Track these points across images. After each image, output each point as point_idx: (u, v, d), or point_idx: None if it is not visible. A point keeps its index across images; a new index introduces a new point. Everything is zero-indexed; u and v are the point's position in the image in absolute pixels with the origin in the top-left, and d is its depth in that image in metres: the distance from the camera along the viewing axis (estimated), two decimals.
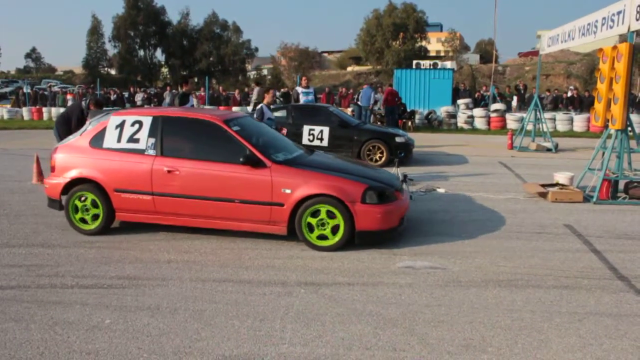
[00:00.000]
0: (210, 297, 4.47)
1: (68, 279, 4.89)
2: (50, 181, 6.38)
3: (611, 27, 8.50)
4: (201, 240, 6.05)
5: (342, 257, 5.51)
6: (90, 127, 6.40)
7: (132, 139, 6.04)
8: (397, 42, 55.17)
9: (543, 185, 8.53)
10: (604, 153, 8.54)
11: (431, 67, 31.22)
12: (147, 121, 6.08)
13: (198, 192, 5.80)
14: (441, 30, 75.90)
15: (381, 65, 57.16)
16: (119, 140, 6.08)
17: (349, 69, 69.24)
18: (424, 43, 57.55)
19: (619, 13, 8.16)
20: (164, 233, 6.26)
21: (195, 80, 53.58)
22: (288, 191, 5.58)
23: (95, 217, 6.17)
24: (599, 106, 8.40)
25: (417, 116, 20.99)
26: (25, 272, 5.08)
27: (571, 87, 25.86)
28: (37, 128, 21.93)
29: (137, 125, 6.06)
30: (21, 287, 4.71)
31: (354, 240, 5.62)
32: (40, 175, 9.47)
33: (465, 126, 20.81)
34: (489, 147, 15.13)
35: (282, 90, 24.18)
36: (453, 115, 21.14)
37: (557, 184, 8.52)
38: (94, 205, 6.15)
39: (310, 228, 5.65)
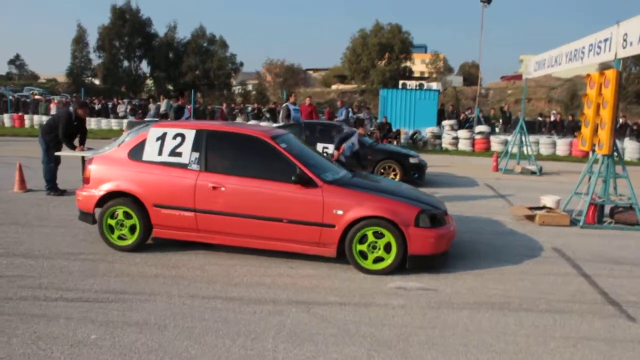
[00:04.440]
0: (200, 314, 4.35)
1: (51, 292, 4.73)
2: (84, 193, 6.07)
3: (598, 54, 8.67)
4: (189, 255, 5.92)
5: (332, 276, 5.43)
6: (129, 138, 6.15)
7: (174, 153, 5.79)
8: (383, 62, 55.81)
9: (530, 208, 8.59)
10: (590, 177, 8.65)
11: (417, 87, 31.53)
12: (190, 134, 5.84)
13: (244, 210, 5.57)
14: (425, 52, 76.96)
15: (366, 84, 57.72)
16: (160, 153, 5.83)
17: (334, 87, 69.69)
18: (408, 64, 58.26)
19: (605, 40, 8.34)
20: (151, 246, 6.11)
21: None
22: (340, 212, 5.40)
23: (132, 229, 5.88)
24: (586, 131, 8.53)
25: (402, 136, 21.10)
26: (7, 283, 4.90)
27: (554, 112, 26.30)
28: (19, 135, 21.51)
29: (179, 139, 5.82)
30: (2, 298, 4.54)
31: (404, 264, 5.46)
32: (23, 183, 9.26)
33: (450, 147, 20.99)
34: (474, 168, 15.25)
35: (268, 105, 24.15)
36: (438, 136, 21.33)
37: (544, 207, 8.58)
38: (127, 217, 5.86)
39: (363, 255, 5.49)
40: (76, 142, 9.14)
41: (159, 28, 67.03)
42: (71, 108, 9.15)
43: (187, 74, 52.60)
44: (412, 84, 38.09)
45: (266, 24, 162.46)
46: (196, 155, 5.75)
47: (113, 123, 25.41)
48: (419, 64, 67.47)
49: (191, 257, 5.84)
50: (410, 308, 4.68)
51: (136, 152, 5.91)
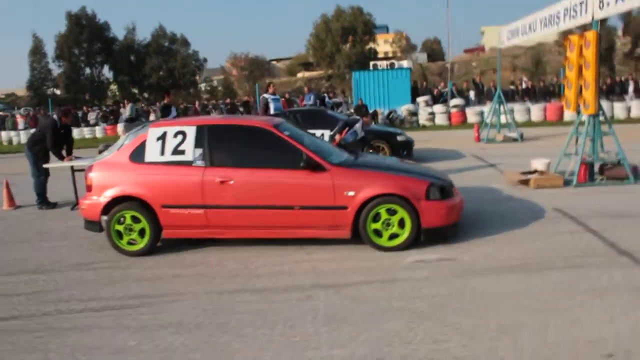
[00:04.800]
0: (231, 309, 4.34)
1: (75, 304, 4.65)
2: (87, 202, 5.93)
3: (574, 17, 8.84)
4: (202, 253, 5.89)
5: (350, 257, 5.47)
6: (128, 141, 6.02)
7: (177, 151, 5.70)
8: (347, 46, 55.78)
9: (523, 173, 8.77)
10: (577, 138, 8.86)
11: (388, 67, 31.65)
12: (190, 131, 5.75)
13: (255, 201, 5.54)
14: (387, 32, 77.20)
15: (333, 69, 57.66)
16: (162, 153, 5.73)
17: (299, 75, 69.42)
18: (373, 45, 58.34)
19: (581, 3, 8.50)
20: (161, 248, 6.04)
21: (146, 95, 52.52)
22: (351, 193, 5.42)
23: (141, 233, 5.79)
24: (569, 93, 8.73)
25: (379, 116, 21.19)
26: (26, 300, 4.80)
27: (524, 79, 26.71)
28: None
29: (180, 136, 5.72)
30: (25, 316, 4.45)
31: (419, 238, 5.52)
32: (11, 200, 9.03)
33: (427, 123, 21.20)
34: (456, 141, 15.44)
35: (243, 99, 23.94)
36: (414, 113, 21.51)
37: (535, 171, 8.77)
38: (136, 221, 5.78)
39: (378, 233, 5.51)
40: (63, 152, 8.94)
41: (118, 31, 65.78)
42: (55, 116, 8.94)
43: (151, 76, 51.71)
44: (382, 64, 38.15)
45: (226, 17, 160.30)
46: (199, 151, 5.69)
47: (85, 132, 24.87)
48: (382, 45, 67.60)
49: (205, 255, 5.81)
50: (435, 279, 4.76)
51: (137, 155, 5.82)
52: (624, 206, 6.97)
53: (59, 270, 5.60)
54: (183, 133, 5.76)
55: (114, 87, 54.03)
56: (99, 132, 24.90)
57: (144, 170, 5.74)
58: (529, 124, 19.61)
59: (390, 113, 22.26)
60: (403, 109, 21.67)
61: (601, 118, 8.52)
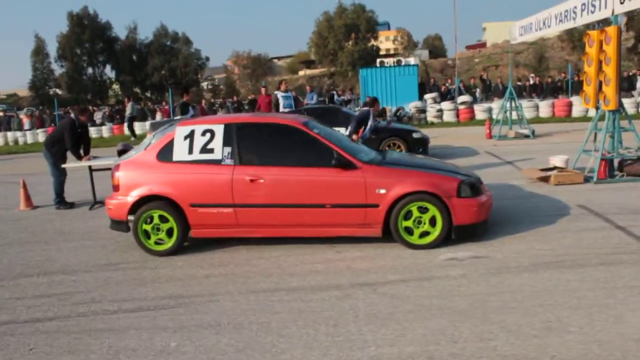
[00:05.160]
0: (270, 308, 4.31)
1: (107, 305, 4.62)
2: (114, 201, 5.90)
3: (592, 12, 8.78)
4: (230, 252, 5.86)
5: (381, 255, 5.44)
6: (155, 140, 5.98)
7: (205, 150, 5.66)
8: (350, 43, 55.71)
9: (542, 170, 8.73)
10: (596, 134, 8.82)
11: (395, 64, 31.60)
12: (219, 129, 5.71)
13: (285, 199, 5.51)
14: (389, 29, 77.17)
15: (335, 67, 57.61)
16: (190, 152, 5.69)
17: (301, 72, 69.38)
18: (375, 42, 58.25)
19: None
20: (188, 248, 6.01)
21: (148, 94, 52.49)
22: (383, 191, 5.39)
23: (169, 233, 5.76)
24: (588, 89, 8.68)
25: (387, 113, 21.14)
26: (57, 301, 4.77)
27: (532, 75, 26.66)
28: None
29: (208, 135, 5.68)
30: (60, 317, 4.42)
31: (449, 236, 5.49)
32: (29, 200, 9.00)
33: (435, 120, 21.15)
34: (467, 138, 15.41)
35: (250, 97, 23.90)
36: (422, 110, 21.45)
37: (555, 168, 8.73)
38: (163, 220, 5.74)
39: (409, 231, 5.48)
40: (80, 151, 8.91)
41: (119, 31, 65.69)
42: (73, 115, 8.91)
43: (154, 75, 51.71)
44: (389, 61, 38.08)
45: (227, 16, 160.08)
46: (228, 149, 5.65)
47: (92, 131, 24.78)
48: (384, 42, 67.53)
49: (234, 254, 5.78)
50: (471, 277, 4.73)
51: (165, 154, 5.78)
52: None
53: (86, 271, 5.57)
54: (211, 131, 5.72)
55: (116, 86, 53.99)
56: (105, 131, 24.85)
57: (172, 169, 5.70)
58: (537, 120, 19.54)
59: (398, 110, 22.19)
60: (411, 106, 21.61)
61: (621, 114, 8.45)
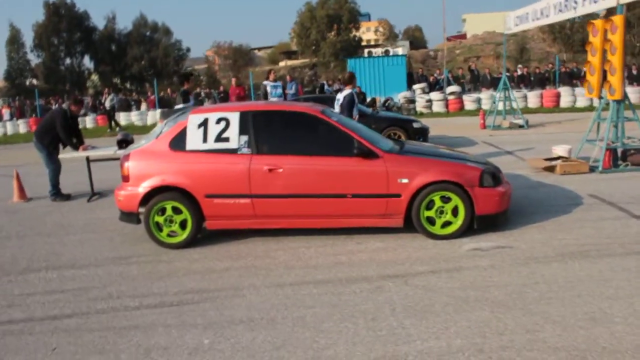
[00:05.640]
0: (301, 302, 4.17)
1: (127, 300, 4.42)
2: (124, 192, 5.65)
3: (595, 2, 8.76)
4: (246, 244, 5.69)
5: (403, 246, 5.33)
6: (167, 128, 5.74)
7: (220, 138, 5.45)
8: (332, 34, 55.41)
9: (547, 159, 8.73)
10: (599, 124, 8.85)
11: (383, 54, 31.49)
12: (234, 117, 5.49)
13: (305, 190, 5.34)
14: (369, 20, 76.97)
15: (317, 57, 57.28)
16: (204, 141, 5.47)
17: (282, 63, 68.85)
18: (358, 33, 58.07)
19: None
20: (201, 241, 5.80)
21: (128, 85, 51.48)
22: (405, 181, 5.26)
23: (182, 224, 5.55)
24: (592, 78, 8.68)
25: (377, 104, 21.05)
26: (73, 297, 4.55)
27: (520, 66, 26.80)
28: None
29: (223, 123, 5.46)
30: (79, 314, 4.21)
31: (471, 226, 5.41)
32: (22, 192, 8.67)
33: (425, 110, 21.14)
34: (460, 128, 15.41)
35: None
36: (411, 101, 21.41)
37: (559, 157, 8.73)
38: (176, 212, 5.53)
39: (431, 221, 5.38)
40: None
41: (98, 21, 64.22)
42: (64, 106, 8.59)
43: (133, 65, 50.70)
44: (377, 51, 37.94)
45: (209, 6, 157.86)
46: (245, 138, 5.46)
47: None
48: (366, 33, 67.35)
49: (250, 246, 5.61)
50: (501, 267, 4.65)
51: (178, 142, 5.56)
52: None
53: (97, 265, 5.34)
54: (226, 120, 5.52)
55: (94, 77, 52.84)
56: (89, 122, 24.20)
57: (186, 158, 5.50)
58: (526, 110, 19.63)
59: (387, 100, 22.09)
60: (400, 96, 21.55)
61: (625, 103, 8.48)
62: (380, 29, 66.21)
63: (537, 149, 10.65)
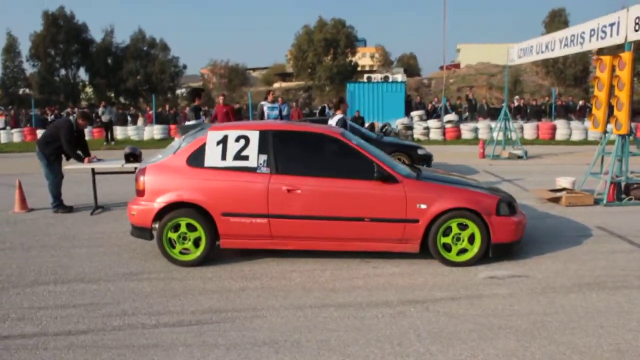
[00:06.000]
0: (323, 325, 4.12)
1: (143, 318, 4.33)
2: (138, 207, 5.57)
3: (603, 39, 8.97)
4: (259, 264, 5.62)
5: (418, 272, 5.31)
6: (185, 144, 5.70)
7: (239, 156, 5.42)
8: (329, 58, 55.95)
9: (552, 191, 8.81)
10: (603, 157, 8.97)
11: (382, 80, 31.83)
12: (254, 136, 5.48)
13: (323, 211, 5.31)
14: (365, 45, 77.96)
15: (313, 80, 57.74)
16: (223, 158, 5.44)
17: (276, 85, 69.27)
18: (354, 58, 58.72)
19: (611, 25, 8.63)
20: (213, 259, 5.72)
21: (122, 100, 51.38)
22: (424, 206, 5.27)
23: (195, 242, 5.49)
24: (598, 113, 8.83)
25: (375, 129, 21.19)
26: (86, 313, 4.45)
27: (517, 97, 27.20)
28: None
29: (242, 141, 5.45)
30: (94, 330, 4.11)
31: (486, 254, 5.42)
32: (24, 202, 8.54)
33: (422, 137, 21.30)
34: (460, 156, 15.53)
35: (234, 106, 23.62)
36: (409, 127, 21.59)
37: (564, 189, 8.82)
38: (191, 229, 5.47)
39: (447, 248, 5.38)
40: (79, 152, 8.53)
41: (96, 33, 64.20)
42: (71, 118, 8.53)
43: (128, 80, 50.63)
44: (377, 77, 38.37)
45: (207, 25, 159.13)
46: (264, 157, 5.45)
47: None
48: (361, 58, 68.16)
49: (264, 267, 5.55)
50: (519, 296, 4.64)
51: (196, 159, 5.53)
52: None
53: (107, 280, 5.24)
54: (246, 138, 5.51)
55: (89, 89, 52.69)
56: (86, 134, 23.94)
57: (204, 175, 5.46)
58: (522, 141, 19.80)
59: (384, 126, 22.25)
60: (398, 123, 21.73)
61: (630, 138, 8.62)
62: (377, 55, 66.87)
63: (537, 180, 10.75)
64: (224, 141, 5.52)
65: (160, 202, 5.47)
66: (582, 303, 4.48)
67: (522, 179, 11.09)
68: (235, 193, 5.40)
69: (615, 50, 9.52)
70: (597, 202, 8.50)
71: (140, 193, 5.60)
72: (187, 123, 8.57)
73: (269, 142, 5.49)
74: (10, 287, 5.08)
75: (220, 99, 13.56)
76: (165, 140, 22.07)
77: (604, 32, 8.89)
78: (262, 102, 13.50)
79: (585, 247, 6.12)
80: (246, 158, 5.45)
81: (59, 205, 8.39)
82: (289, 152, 5.54)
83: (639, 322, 4.08)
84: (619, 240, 6.40)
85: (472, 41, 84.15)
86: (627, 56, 8.06)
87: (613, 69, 8.43)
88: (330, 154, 5.58)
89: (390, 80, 32.32)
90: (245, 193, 5.39)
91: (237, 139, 5.51)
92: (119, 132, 22.22)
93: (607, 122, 8.69)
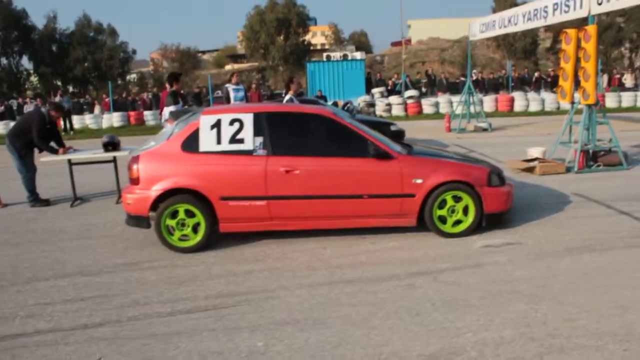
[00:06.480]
0: (338, 301, 4.22)
1: (157, 306, 4.31)
2: (134, 195, 5.47)
3: (566, 12, 9.31)
4: (259, 246, 5.65)
5: (417, 245, 5.48)
6: (178, 129, 5.60)
7: (234, 140, 5.39)
8: (282, 37, 55.40)
9: (525, 161, 9.16)
10: (571, 127, 9.38)
11: (342, 58, 31.84)
12: (248, 119, 5.45)
13: (322, 191, 5.38)
14: (316, 24, 77.55)
15: (267, 61, 57.13)
16: (218, 142, 5.39)
17: (228, 67, 68.14)
18: (307, 37, 58.36)
19: None
20: (209, 244, 5.72)
21: (70, 89, 49.43)
22: (419, 181, 5.41)
23: (194, 228, 5.46)
24: (565, 84, 9.21)
25: (338, 107, 21.28)
26: (96, 305, 4.38)
27: (474, 71, 27.77)
28: None
29: (237, 124, 5.40)
30: (111, 322, 4.07)
31: (479, 224, 5.63)
32: None
33: (384, 114, 21.55)
34: (426, 131, 15.84)
35: (194, 90, 23.19)
36: (371, 104, 21.78)
37: (536, 159, 9.19)
38: (189, 215, 5.43)
39: (442, 220, 5.54)
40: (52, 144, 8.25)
41: (37, 19, 61.10)
42: (43, 109, 8.22)
43: (76, 67, 48.70)
44: (336, 55, 38.29)
45: (155, 8, 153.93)
46: (260, 139, 5.46)
47: None
48: (314, 37, 67.76)
49: (264, 248, 5.59)
50: (517, 262, 4.88)
51: (190, 144, 5.47)
52: (636, 190, 7.48)
53: (109, 272, 5.17)
54: (239, 121, 5.49)
55: (34, 79, 50.39)
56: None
57: (199, 160, 5.42)
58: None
59: (346, 104, 22.31)
60: (360, 100, 21.87)
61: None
62: (330, 33, 66.63)
63: (506, 151, 11.13)
64: (217, 125, 5.49)
65: (156, 189, 5.40)
66: (577, 265, 4.76)
67: (492, 150, 11.45)
68: (233, 177, 5.40)
69: (569, 26, 9.88)
70: (568, 170, 8.91)
71: (135, 181, 5.51)
72: (165, 108, 8.39)
73: (263, 124, 5.49)
74: (8, 285, 4.94)
75: (167, 86, 13.04)
76: (125, 128, 21.50)
77: (567, 5, 9.23)
78: (227, 85, 13.32)
79: (567, 213, 6.45)
80: (242, 141, 5.44)
81: (35, 199, 8.12)
82: (284, 133, 5.57)
83: (632, 280, 4.37)
84: (596, 205, 6.77)
85: (422, 17, 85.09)
86: (592, 29, 8.40)
87: (578, 42, 8.76)
88: (325, 133, 5.64)
89: (350, 58, 32.28)
90: (243, 176, 5.39)
91: (231, 122, 5.49)
92: (76, 121, 21.46)
93: (574, 92, 9.06)
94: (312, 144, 5.63)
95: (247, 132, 5.46)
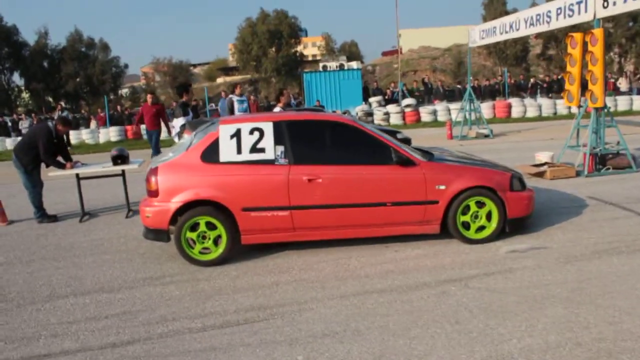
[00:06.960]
0: (375, 312, 4.14)
1: (186, 322, 4.21)
2: (153, 208, 5.36)
3: (570, 16, 9.35)
4: (282, 258, 5.57)
5: (441, 252, 5.42)
6: (196, 140, 5.51)
7: (255, 149, 5.31)
8: (274, 49, 55.54)
9: (534, 166, 9.15)
10: (578, 130, 9.39)
11: (338, 68, 31.91)
12: (268, 127, 5.37)
13: (346, 199, 5.29)
14: (306, 35, 77.90)
15: (259, 73, 57.22)
16: (239, 152, 5.31)
17: (219, 80, 68.17)
18: (299, 48, 58.56)
19: (579, 3, 9.02)
20: (230, 257, 5.63)
21: (63, 104, 49.18)
22: (442, 187, 5.35)
23: (215, 241, 5.36)
24: (572, 88, 9.23)
25: None
26: (122, 322, 4.27)
27: (471, 78, 27.91)
28: None
29: (257, 133, 5.32)
30: (140, 340, 3.96)
31: (503, 229, 5.60)
32: (3, 215, 8.07)
33: (383, 123, 21.52)
34: (428, 139, 15.81)
35: (192, 102, 23.09)
36: (369, 114, 21.80)
37: (545, 163, 9.18)
38: (210, 227, 5.33)
39: (465, 226, 5.48)
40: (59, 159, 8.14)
41: (28, 35, 60.76)
42: (50, 124, 8.11)
43: (68, 83, 48.48)
44: (332, 65, 38.40)
45: (147, 22, 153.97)
46: (281, 148, 5.38)
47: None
48: (306, 48, 68.00)
49: (287, 260, 5.50)
50: (547, 267, 4.83)
51: (210, 154, 5.38)
52: None
53: (129, 287, 5.05)
54: (259, 130, 5.42)
55: (26, 95, 50.10)
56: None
57: (220, 171, 5.33)
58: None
59: (344, 113, 22.41)
60: (358, 110, 21.89)
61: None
62: (322, 44, 66.92)
63: (512, 156, 11.13)
64: (237, 135, 5.41)
65: (176, 201, 5.31)
66: (608, 268, 4.71)
67: (498, 156, 11.41)
68: (254, 187, 5.32)
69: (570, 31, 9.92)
70: (578, 173, 8.90)
71: (154, 194, 5.41)
72: (175, 120, 8.30)
73: (284, 132, 5.42)
74: (27, 304, 4.81)
75: (149, 99, 12.83)
76: (123, 142, 21.34)
77: (572, 10, 9.26)
78: (231, 96, 13.33)
79: (586, 217, 6.42)
80: (262, 150, 5.37)
81: (42, 215, 7.98)
82: (306, 141, 5.50)
83: None
84: (613, 208, 6.75)
85: (411, 26, 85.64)
86: (598, 32, 8.44)
87: (584, 45, 8.80)
88: (346, 141, 5.58)
89: (346, 68, 32.37)
90: (265, 186, 5.31)
91: (251, 132, 5.41)
92: (72, 136, 21.26)
93: (582, 96, 9.08)
94: (334, 151, 5.57)
95: (268, 141, 5.39)
